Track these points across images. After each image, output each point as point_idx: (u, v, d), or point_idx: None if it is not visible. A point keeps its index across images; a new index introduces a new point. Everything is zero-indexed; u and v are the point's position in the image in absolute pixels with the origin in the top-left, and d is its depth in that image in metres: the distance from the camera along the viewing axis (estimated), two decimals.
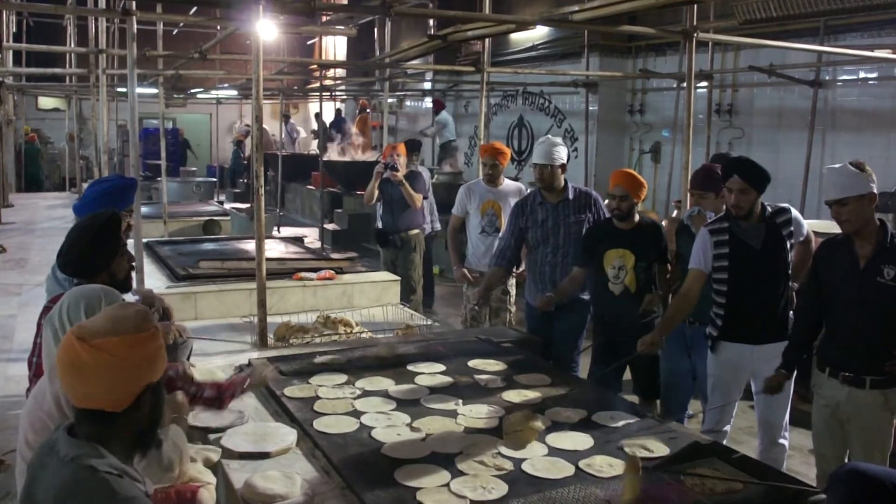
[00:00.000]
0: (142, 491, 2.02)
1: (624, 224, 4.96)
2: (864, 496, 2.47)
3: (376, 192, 7.47)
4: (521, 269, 5.88)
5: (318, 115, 15.30)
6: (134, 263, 3.78)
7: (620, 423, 3.56)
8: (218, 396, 3.45)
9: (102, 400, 2.02)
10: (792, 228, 4.27)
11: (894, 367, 3.66)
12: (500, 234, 5.99)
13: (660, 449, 3.27)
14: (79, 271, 3.48)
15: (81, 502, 1.93)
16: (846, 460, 3.93)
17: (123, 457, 2.07)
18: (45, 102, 23.25)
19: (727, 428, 4.54)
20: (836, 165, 3.71)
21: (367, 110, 17.81)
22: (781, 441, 4.36)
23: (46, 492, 2.00)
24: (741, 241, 4.23)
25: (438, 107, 15.86)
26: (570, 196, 5.32)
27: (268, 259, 5.03)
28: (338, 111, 20.69)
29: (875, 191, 3.65)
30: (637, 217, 5.00)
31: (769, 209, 4.26)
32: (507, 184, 6.46)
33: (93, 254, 3.48)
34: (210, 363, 4.39)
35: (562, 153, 5.29)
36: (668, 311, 4.49)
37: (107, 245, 3.50)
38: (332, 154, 15.28)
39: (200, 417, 3.57)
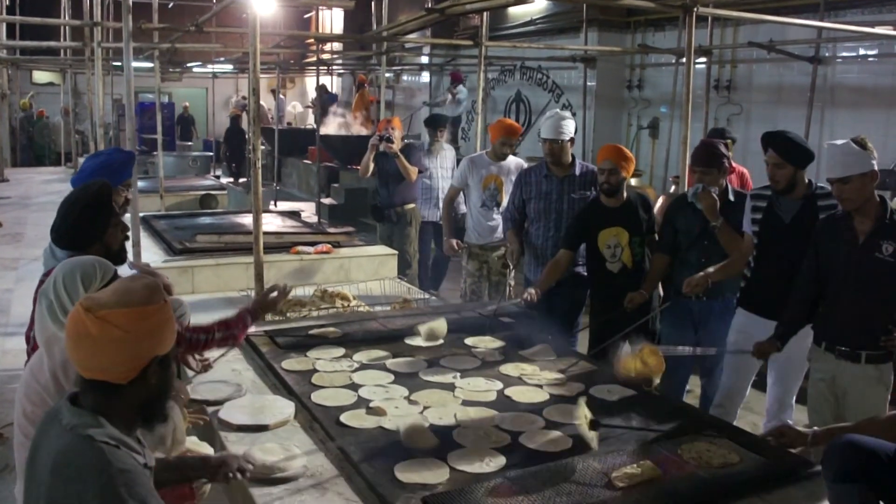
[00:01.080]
0: (140, 463, 2.03)
1: (612, 201, 4.96)
2: (859, 467, 2.50)
3: (371, 166, 7.44)
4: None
5: (318, 88, 15.20)
6: (129, 234, 3.77)
7: (617, 398, 3.58)
8: (231, 334, 3.55)
9: (108, 371, 2.03)
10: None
11: (889, 342, 3.68)
12: (504, 207, 6.00)
13: (658, 422, 3.29)
14: (72, 243, 3.45)
15: (76, 470, 1.94)
16: None
17: (125, 428, 2.07)
18: (40, 77, 23.11)
19: (738, 412, 4.58)
20: (839, 142, 3.67)
21: (366, 85, 17.71)
22: (787, 419, 4.39)
23: (46, 458, 2.01)
24: (773, 212, 4.25)
25: (457, 79, 15.72)
26: (577, 172, 5.31)
27: (265, 233, 5.02)
28: (322, 87, 20.47)
29: (876, 168, 3.65)
30: (626, 194, 5.00)
31: (818, 189, 4.21)
32: (509, 159, 6.44)
33: (85, 225, 3.45)
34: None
35: (570, 127, 5.28)
36: (727, 261, 4.49)
37: (99, 215, 3.47)
38: (329, 129, 15.21)
39: (198, 390, 3.58)
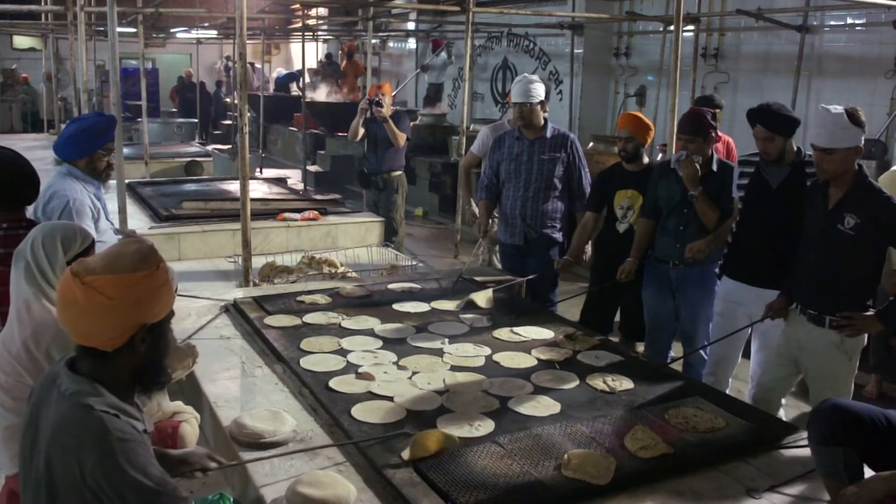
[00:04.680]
0: (139, 430, 2.03)
1: (633, 166, 5.07)
2: (844, 429, 2.54)
3: (361, 130, 7.42)
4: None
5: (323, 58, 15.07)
6: (70, 200, 3.89)
7: (605, 363, 3.60)
8: None
9: (93, 338, 2.02)
10: None
11: (845, 320, 3.72)
12: (482, 170, 5.96)
13: (645, 388, 3.32)
14: (29, 197, 3.57)
15: (76, 439, 1.95)
16: (786, 392, 4.12)
17: (122, 394, 2.06)
18: (21, 42, 22.77)
19: (729, 380, 4.63)
20: (833, 110, 3.59)
21: (355, 54, 17.56)
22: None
23: (47, 423, 2.02)
24: (760, 177, 4.27)
25: (437, 46, 15.61)
26: (548, 134, 5.33)
27: (251, 200, 5.00)
28: (328, 55, 20.14)
29: (862, 143, 3.62)
30: (647, 159, 5.12)
31: (806, 156, 4.18)
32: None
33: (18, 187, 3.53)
34: (195, 304, 4.39)
35: (539, 90, 5.28)
36: (722, 227, 4.55)
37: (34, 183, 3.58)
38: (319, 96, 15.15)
39: None
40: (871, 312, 3.71)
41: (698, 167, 4.49)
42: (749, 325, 4.27)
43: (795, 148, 4.22)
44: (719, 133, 6.41)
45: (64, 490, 1.95)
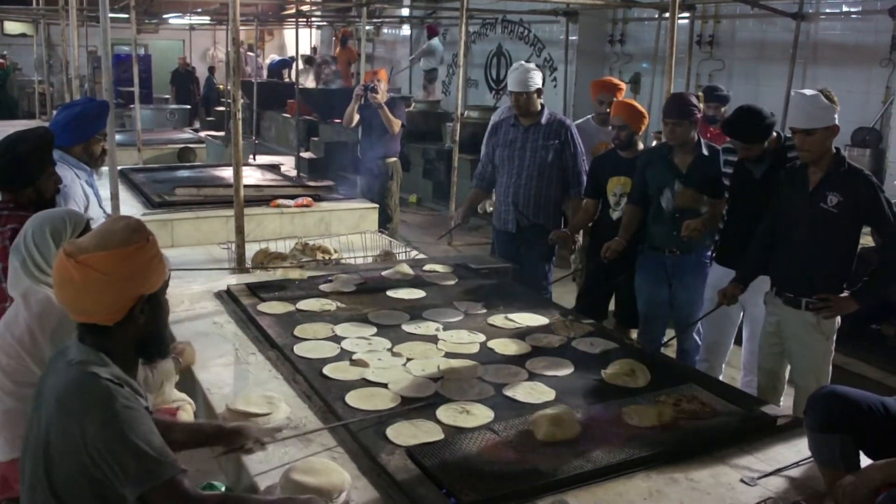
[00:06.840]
0: (142, 404, 2.06)
1: (627, 153, 5.07)
2: (841, 416, 2.53)
3: (356, 117, 7.39)
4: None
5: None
6: (61, 186, 3.75)
7: (599, 350, 3.59)
8: None
9: (93, 314, 2.06)
10: None
11: (822, 302, 3.77)
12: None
13: (641, 374, 3.31)
14: (5, 181, 3.47)
15: (81, 404, 1.97)
16: (786, 375, 4.14)
17: (125, 368, 2.10)
18: (12, 27, 22.63)
19: (722, 367, 4.65)
20: (808, 93, 3.70)
21: (350, 40, 17.46)
22: None
23: (51, 390, 2.04)
24: (744, 167, 4.30)
25: (432, 33, 15.57)
26: (543, 121, 5.31)
27: (245, 186, 4.98)
28: (314, 49, 20.01)
29: (837, 122, 3.70)
30: (641, 146, 5.12)
31: (786, 140, 4.21)
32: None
33: (22, 165, 3.44)
34: (189, 290, 4.38)
35: (536, 78, 5.26)
36: (715, 208, 4.59)
37: (37, 158, 3.47)
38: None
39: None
40: (845, 294, 3.78)
41: (692, 197, 4.54)
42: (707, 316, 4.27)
43: (775, 135, 4.24)
44: None
45: (63, 455, 1.97)
